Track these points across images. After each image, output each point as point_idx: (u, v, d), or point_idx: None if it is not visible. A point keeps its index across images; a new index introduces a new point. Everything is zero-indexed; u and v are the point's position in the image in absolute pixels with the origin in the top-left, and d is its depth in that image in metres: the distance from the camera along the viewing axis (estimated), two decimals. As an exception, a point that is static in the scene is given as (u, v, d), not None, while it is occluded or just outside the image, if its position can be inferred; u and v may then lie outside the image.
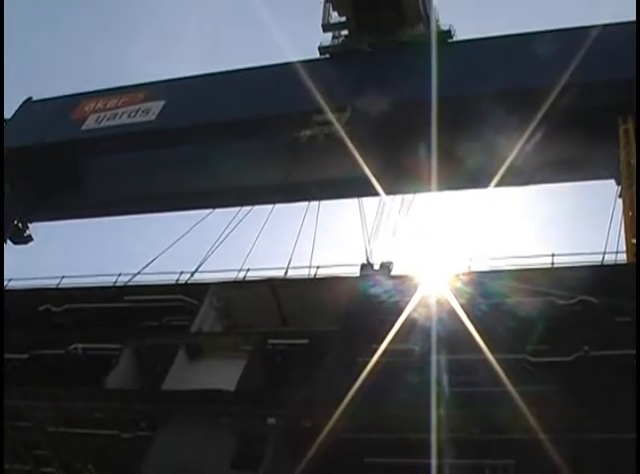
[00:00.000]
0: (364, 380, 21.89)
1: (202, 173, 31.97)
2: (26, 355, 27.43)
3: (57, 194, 34.92)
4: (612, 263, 24.12)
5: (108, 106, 35.50)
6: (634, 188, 25.42)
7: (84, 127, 34.73)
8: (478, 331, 21.50)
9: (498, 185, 27.05)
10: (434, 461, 19.30)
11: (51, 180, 35.31)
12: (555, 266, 24.07)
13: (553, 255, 24.39)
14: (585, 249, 25.24)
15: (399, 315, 22.24)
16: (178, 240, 32.74)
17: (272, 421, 21.61)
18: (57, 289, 29.46)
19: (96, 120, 34.97)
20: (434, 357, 21.15)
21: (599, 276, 22.30)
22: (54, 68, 72.64)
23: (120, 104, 35.21)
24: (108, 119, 34.77)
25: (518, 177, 27.74)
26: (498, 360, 21.32)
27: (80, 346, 26.49)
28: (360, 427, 21.23)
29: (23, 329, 28.81)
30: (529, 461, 20.61)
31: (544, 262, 24.31)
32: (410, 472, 20.40)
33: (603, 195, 28.93)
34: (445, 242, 28.46)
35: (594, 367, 20.92)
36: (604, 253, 23.83)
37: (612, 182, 28.23)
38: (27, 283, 30.83)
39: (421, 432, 19.63)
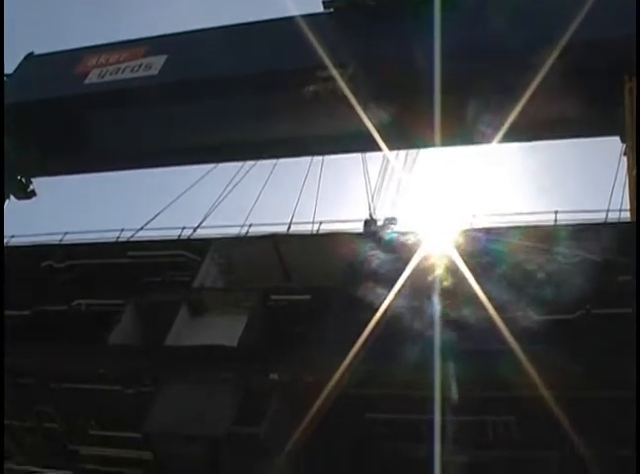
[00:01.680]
0: (367, 336, 21.95)
1: (205, 128, 31.66)
2: (28, 312, 27.48)
3: (60, 149, 34.61)
4: (616, 221, 23.99)
5: (110, 61, 35.07)
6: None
7: (86, 82, 34.42)
8: (481, 288, 21.47)
9: (502, 141, 26.80)
10: (436, 418, 19.31)
11: (54, 135, 34.97)
12: (558, 223, 23.97)
13: (556, 212, 24.29)
14: (588, 207, 25.14)
15: (402, 272, 22.19)
16: (180, 195, 32.67)
17: (274, 376, 21.67)
18: (59, 246, 29.39)
19: (98, 75, 34.58)
20: (436, 314, 21.11)
21: (601, 235, 22.20)
22: (57, 22, 71.79)
23: (122, 59, 34.80)
24: (110, 74, 34.39)
25: (522, 133, 27.43)
26: (500, 318, 21.34)
27: (83, 302, 26.55)
28: (362, 382, 21.29)
29: (25, 285, 28.88)
30: (530, 418, 20.71)
31: (547, 219, 24.22)
32: (411, 428, 20.46)
33: (608, 152, 28.68)
34: (449, 199, 28.30)
35: (595, 325, 20.88)
36: (608, 211, 23.69)
37: (617, 139, 27.98)
38: (29, 240, 30.78)
39: (423, 388, 19.65)
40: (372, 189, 28.89)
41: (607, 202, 24.89)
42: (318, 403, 21.91)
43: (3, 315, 22.59)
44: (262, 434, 21.16)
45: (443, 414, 20.45)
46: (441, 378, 19.68)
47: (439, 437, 18.86)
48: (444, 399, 19.92)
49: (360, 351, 21.36)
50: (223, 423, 21.58)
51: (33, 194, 36.08)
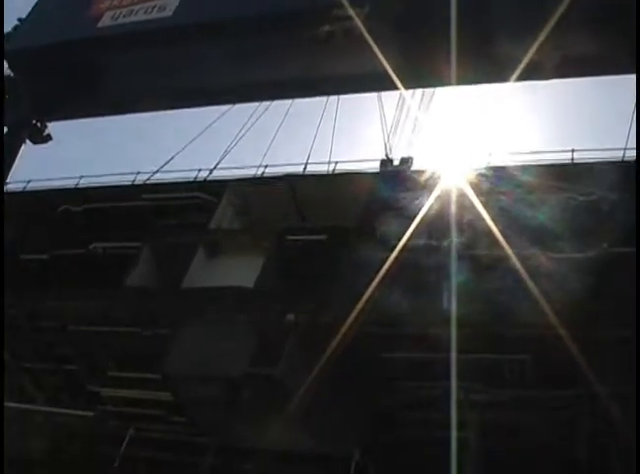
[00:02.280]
0: (383, 275, 21.90)
1: (220, 69, 31.39)
2: (45, 256, 27.56)
3: (75, 92, 34.47)
4: (633, 159, 23.68)
5: (123, 3, 34.79)
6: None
7: (100, 25, 34.15)
8: (497, 226, 21.32)
9: (519, 79, 26.42)
10: (452, 355, 19.29)
11: (69, 79, 34.90)
12: (575, 162, 23.69)
13: (573, 150, 23.98)
14: (605, 145, 24.78)
15: (418, 210, 22.07)
16: (196, 137, 32.67)
17: (290, 317, 21.64)
18: (76, 189, 29.37)
19: (112, 18, 34.30)
20: (453, 253, 20.99)
21: (619, 173, 21.93)
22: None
23: (135, 0, 34.53)
24: (124, 16, 34.09)
25: (539, 70, 27.01)
26: (516, 256, 21.22)
27: (99, 245, 26.55)
28: (379, 322, 21.30)
29: (42, 230, 28.98)
30: (546, 356, 20.68)
31: (564, 158, 23.94)
32: (427, 367, 20.45)
33: (627, 90, 28.20)
34: (465, 137, 28.00)
35: (612, 264, 20.70)
36: (625, 149, 23.35)
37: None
38: (46, 184, 30.75)
39: (439, 326, 19.63)
40: (388, 128, 28.66)
41: (625, 141, 24.61)
42: (335, 343, 22.03)
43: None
44: (279, 374, 21.18)
45: (459, 352, 20.51)
46: (457, 317, 19.64)
47: (454, 376, 18.79)
48: (460, 338, 19.93)
49: (376, 290, 21.38)
50: (240, 364, 21.62)
51: (48, 138, 36.06)
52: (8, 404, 26.70)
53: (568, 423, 21.31)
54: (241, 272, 23.37)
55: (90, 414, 23.21)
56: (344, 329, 21.44)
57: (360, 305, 21.10)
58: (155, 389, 24.76)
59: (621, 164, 23.00)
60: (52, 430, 24.09)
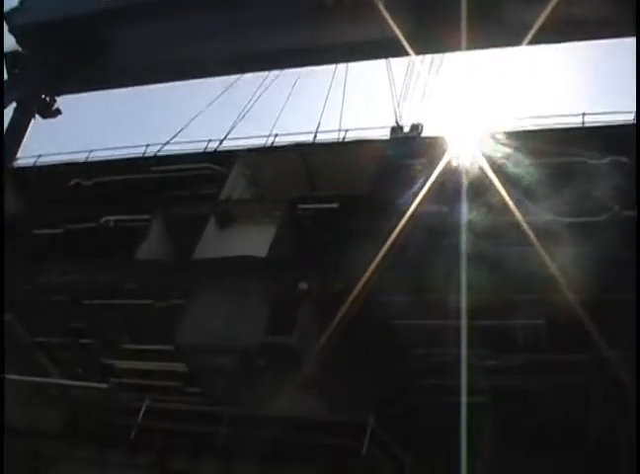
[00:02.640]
0: (394, 242, 21.85)
1: (229, 38, 31.29)
2: (58, 231, 27.58)
3: (83, 66, 34.51)
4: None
5: (126, -24, 34.66)
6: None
7: (105, -3, 34.06)
8: (508, 192, 21.22)
9: (530, 43, 26.20)
10: (462, 323, 19.24)
11: (77, 52, 34.91)
12: (586, 125, 23.50)
13: (584, 114, 23.79)
14: (616, 109, 24.54)
15: (429, 177, 21.98)
16: (206, 108, 32.55)
17: (303, 285, 21.64)
18: (86, 163, 29.36)
19: (115, -10, 34.21)
20: (463, 218, 20.89)
21: (630, 136, 21.75)
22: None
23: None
24: (127, -11, 33.99)
25: (550, 34, 26.78)
26: (528, 222, 21.13)
27: (111, 218, 26.55)
28: (391, 289, 21.28)
29: (54, 204, 28.99)
30: (560, 322, 20.62)
31: (575, 121, 23.74)
32: (440, 333, 20.43)
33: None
34: (475, 103, 27.81)
35: (625, 228, 20.57)
36: (637, 112, 23.11)
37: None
38: (56, 159, 30.75)
39: (451, 293, 19.58)
40: (398, 95, 28.46)
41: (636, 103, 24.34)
42: (347, 310, 22.03)
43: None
44: (293, 342, 21.21)
45: (472, 319, 20.52)
46: (469, 283, 19.57)
47: (465, 342, 18.74)
48: (472, 304, 19.91)
49: (387, 257, 21.34)
50: (254, 333, 21.67)
51: (58, 112, 36.12)
52: (25, 378, 26.96)
53: (581, 387, 21.30)
54: (253, 241, 23.34)
55: (105, 386, 23.27)
56: (355, 296, 21.54)
57: (371, 272, 21.16)
58: (169, 360, 24.92)
59: (633, 127, 22.82)
60: (68, 403, 24.16)
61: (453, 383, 20.48)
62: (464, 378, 18.06)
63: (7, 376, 24.24)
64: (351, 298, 21.48)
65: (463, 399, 18.15)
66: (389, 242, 21.17)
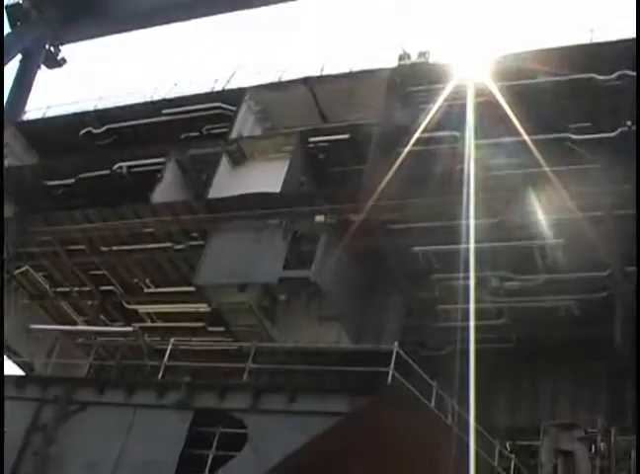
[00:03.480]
0: (407, 170, 21.77)
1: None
2: (72, 180, 27.59)
3: (85, 13, 34.36)
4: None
5: None
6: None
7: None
8: (516, 113, 20.99)
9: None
10: (471, 247, 19.12)
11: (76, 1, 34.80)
12: (594, 41, 23.09)
13: (592, 31, 23.39)
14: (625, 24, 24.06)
15: (436, 101, 21.81)
16: (211, 48, 32.29)
17: (319, 218, 21.61)
18: (96, 111, 29.24)
19: None
20: (471, 142, 20.69)
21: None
22: None
23: None
24: None
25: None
26: (539, 141, 20.96)
27: (124, 164, 26.51)
28: (406, 216, 21.23)
29: (67, 155, 28.97)
30: (578, 241, 20.56)
31: (583, 38, 23.33)
32: (454, 257, 20.40)
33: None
34: (481, 28, 27.47)
35: (636, 142, 20.36)
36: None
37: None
38: (65, 109, 30.60)
39: (464, 217, 19.50)
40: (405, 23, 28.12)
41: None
42: (365, 240, 22.04)
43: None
44: (313, 276, 21.24)
45: (486, 241, 20.53)
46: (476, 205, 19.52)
47: (473, 266, 18.67)
48: (482, 227, 19.91)
49: (401, 185, 21.30)
50: (274, 268, 21.72)
51: (63, 61, 36.02)
52: (50, 327, 27.21)
53: (602, 304, 21.30)
54: (266, 177, 23.30)
55: (129, 329, 23.42)
56: (373, 225, 21.54)
57: (386, 201, 21.11)
58: (192, 302, 25.09)
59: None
60: (94, 349, 24.38)
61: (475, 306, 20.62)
62: (471, 301, 17.97)
63: (33, 326, 24.52)
64: (368, 228, 21.63)
65: (471, 323, 18.06)
66: (402, 169, 21.19)
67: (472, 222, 18.90)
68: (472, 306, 18.28)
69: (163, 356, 20.98)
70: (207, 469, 17.98)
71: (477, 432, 19.94)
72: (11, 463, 19.63)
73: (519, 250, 21.01)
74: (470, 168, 19.43)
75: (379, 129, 22.58)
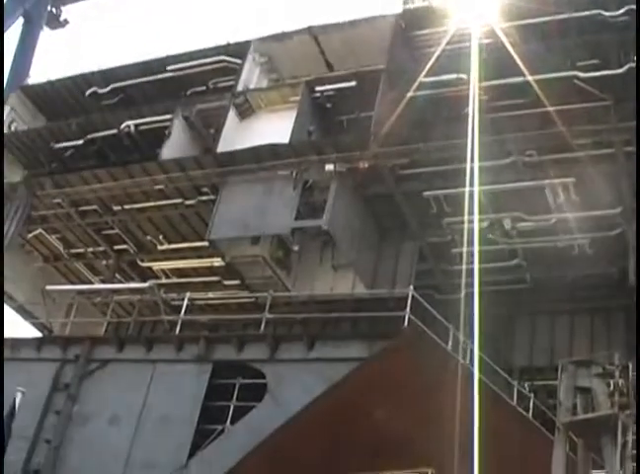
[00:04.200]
0: (415, 114, 21.69)
1: None
2: (81, 141, 27.54)
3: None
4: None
5: None
6: None
7: None
8: (522, 53, 20.82)
9: None
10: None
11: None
12: None
13: None
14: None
15: (441, 46, 21.66)
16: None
17: (329, 167, 21.57)
18: (100, 71, 29.04)
19: None
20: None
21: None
22: None
23: None
24: None
25: None
26: (546, 81, 20.82)
27: (131, 123, 26.42)
28: (415, 161, 21.18)
29: (74, 116, 28.88)
30: (589, 178, 20.51)
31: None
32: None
33: None
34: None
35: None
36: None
37: None
38: (69, 72, 30.48)
39: (474, 160, 19.42)
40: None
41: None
42: (375, 187, 22.06)
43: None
44: (324, 225, 21.25)
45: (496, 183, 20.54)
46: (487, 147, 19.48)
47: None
48: (489, 169, 19.91)
49: (410, 129, 21.26)
50: (286, 219, 21.75)
51: (66, 22, 35.83)
52: (67, 287, 27.39)
53: (616, 242, 21.30)
54: (274, 128, 23.18)
55: (145, 285, 23.56)
56: (382, 171, 21.52)
57: (395, 147, 21.08)
58: (205, 256, 25.19)
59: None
60: (111, 307, 24.56)
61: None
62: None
63: (49, 288, 24.64)
64: (378, 175, 21.63)
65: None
66: (410, 114, 21.13)
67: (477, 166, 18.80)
68: (476, 247, 18.18)
69: (180, 312, 21.18)
70: (229, 420, 18.31)
71: (495, 372, 20.18)
72: (35, 424, 20.07)
73: (530, 190, 20.96)
74: (475, 110, 19.28)
75: (386, 75, 22.37)
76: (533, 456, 17.95)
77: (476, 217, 19.20)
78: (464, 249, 21.67)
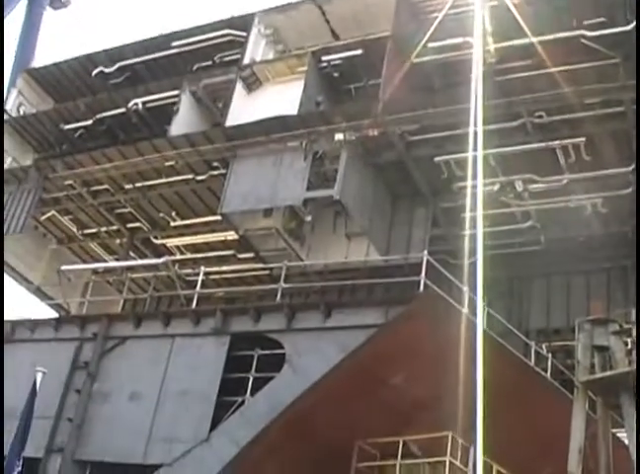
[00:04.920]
0: (423, 80, 21.62)
1: None
2: (90, 122, 27.60)
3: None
4: None
5: None
6: None
7: None
8: (528, 14, 20.69)
9: None
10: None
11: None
12: None
13: None
14: None
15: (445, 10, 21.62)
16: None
17: (339, 136, 21.50)
18: (106, 50, 29.04)
19: None
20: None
21: None
22: None
23: None
24: None
25: None
26: (553, 41, 20.70)
27: (139, 101, 26.43)
28: (425, 127, 21.10)
29: (81, 97, 28.91)
30: (599, 138, 20.40)
31: None
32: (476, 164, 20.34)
33: None
34: None
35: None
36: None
37: None
38: (75, 52, 30.48)
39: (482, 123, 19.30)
40: None
41: None
42: (386, 153, 21.99)
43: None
44: (336, 194, 21.23)
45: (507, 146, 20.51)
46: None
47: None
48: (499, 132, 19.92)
49: (418, 92, 21.21)
50: (297, 190, 21.72)
51: (68, 2, 35.74)
52: (82, 266, 27.53)
53: (628, 201, 21.20)
54: (283, 100, 23.13)
55: (160, 260, 23.67)
56: (392, 139, 21.47)
57: (405, 114, 21.02)
58: (219, 230, 25.21)
59: None
60: (127, 284, 24.70)
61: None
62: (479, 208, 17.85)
63: (64, 268, 24.78)
64: (388, 142, 21.58)
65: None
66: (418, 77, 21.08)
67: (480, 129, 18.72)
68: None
69: (195, 287, 21.29)
70: (248, 392, 18.42)
71: (512, 334, 20.23)
72: (56, 403, 20.27)
73: (541, 152, 20.87)
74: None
75: (392, 42, 22.24)
76: (552, 416, 18.03)
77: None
78: (474, 213, 21.65)
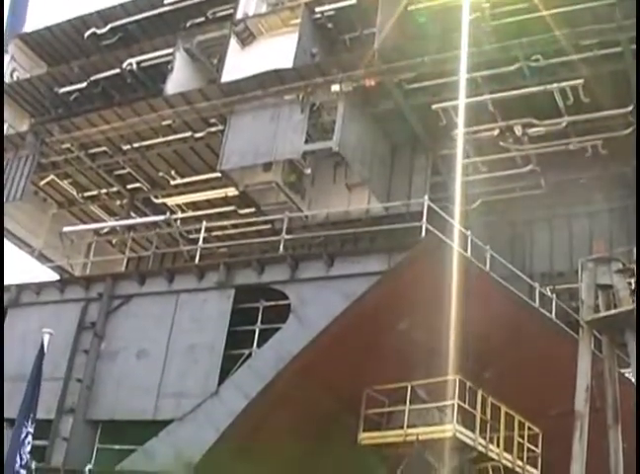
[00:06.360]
0: (419, 28, 21.40)
1: None
2: (84, 84, 27.47)
3: None
4: None
5: None
6: None
7: None
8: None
9: None
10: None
11: None
12: None
13: None
14: None
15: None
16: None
17: (335, 87, 21.42)
18: (98, 12, 28.84)
19: None
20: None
21: None
22: None
23: None
24: None
25: None
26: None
27: (133, 61, 26.32)
28: (421, 75, 20.93)
29: (75, 60, 28.74)
30: (597, 79, 20.28)
31: None
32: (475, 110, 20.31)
33: None
34: None
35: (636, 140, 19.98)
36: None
37: None
38: (67, 14, 30.32)
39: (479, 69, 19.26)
40: None
41: None
42: (383, 102, 21.90)
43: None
44: (335, 146, 21.17)
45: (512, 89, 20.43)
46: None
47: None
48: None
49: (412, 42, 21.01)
50: (296, 143, 21.63)
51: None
52: (84, 227, 27.52)
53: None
54: (278, 54, 22.96)
55: (161, 217, 23.72)
56: (389, 88, 21.38)
57: (403, 62, 20.89)
58: (219, 187, 25.17)
59: None
60: (129, 243, 24.77)
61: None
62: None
63: (66, 229, 24.80)
64: (385, 91, 21.49)
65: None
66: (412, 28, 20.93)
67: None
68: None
69: (197, 243, 21.31)
70: (255, 344, 18.50)
71: (516, 278, 20.25)
72: (64, 364, 20.36)
73: (539, 95, 20.77)
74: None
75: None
76: (558, 356, 18.09)
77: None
78: (478, 159, 21.78)
